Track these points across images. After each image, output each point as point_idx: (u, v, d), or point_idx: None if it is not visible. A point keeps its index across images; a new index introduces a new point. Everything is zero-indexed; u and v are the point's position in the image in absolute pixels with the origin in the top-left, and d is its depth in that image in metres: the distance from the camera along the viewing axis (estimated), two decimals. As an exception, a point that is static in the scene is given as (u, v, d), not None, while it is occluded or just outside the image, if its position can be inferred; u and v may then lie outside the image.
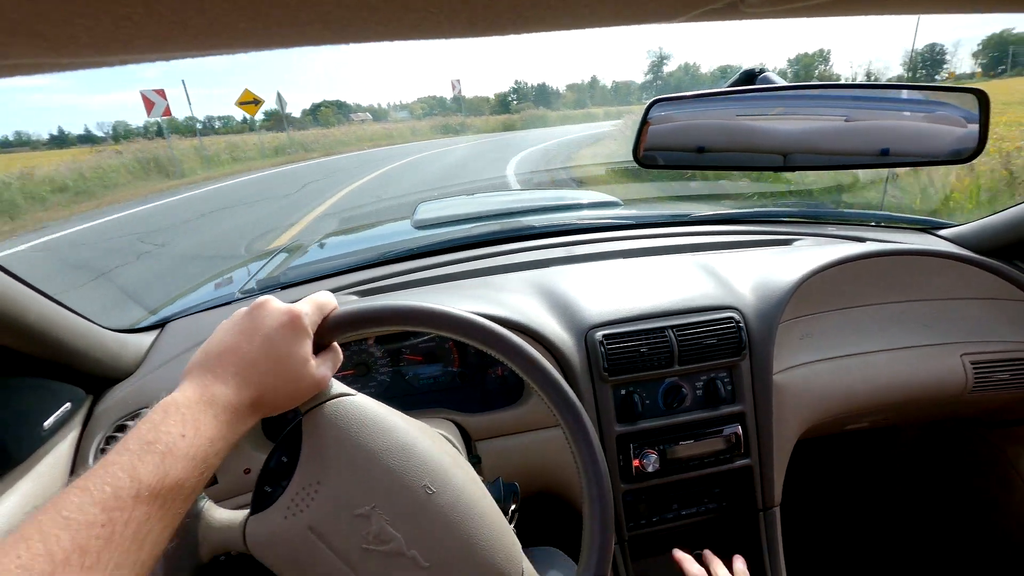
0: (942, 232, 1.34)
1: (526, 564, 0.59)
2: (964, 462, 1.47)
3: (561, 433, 0.59)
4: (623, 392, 0.96)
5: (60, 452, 0.77)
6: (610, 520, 0.56)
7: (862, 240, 1.27)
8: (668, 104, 0.70)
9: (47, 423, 0.74)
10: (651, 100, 0.68)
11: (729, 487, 1.03)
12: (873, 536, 1.60)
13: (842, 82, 0.85)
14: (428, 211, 1.66)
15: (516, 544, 0.59)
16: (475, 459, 0.91)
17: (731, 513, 1.04)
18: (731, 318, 0.99)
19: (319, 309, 0.54)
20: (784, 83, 0.67)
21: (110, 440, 0.81)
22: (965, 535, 1.48)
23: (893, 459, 1.59)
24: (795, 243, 1.29)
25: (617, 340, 0.95)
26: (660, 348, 0.96)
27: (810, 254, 1.13)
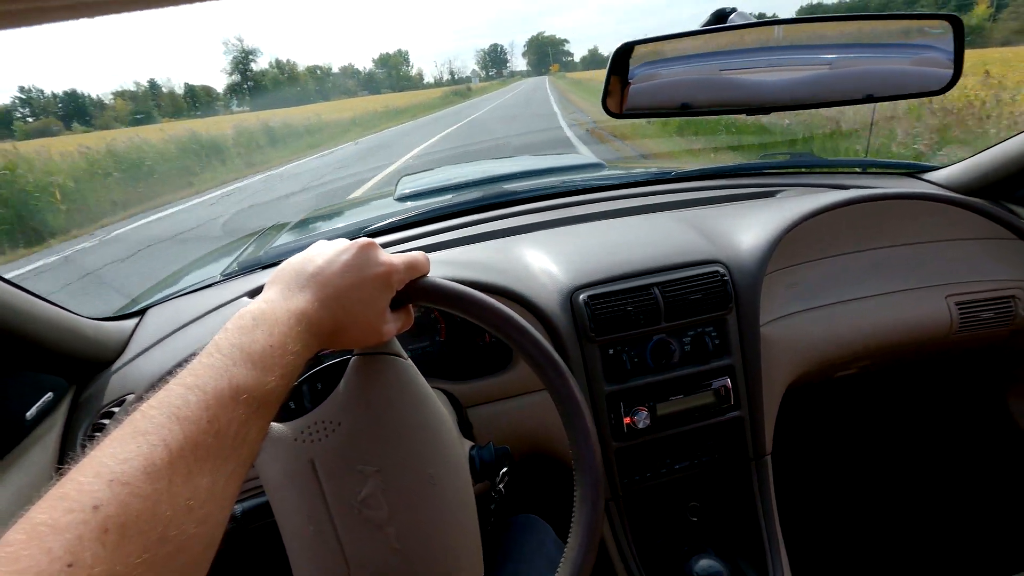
0: (927, 175, 1.33)
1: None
2: (953, 406, 1.49)
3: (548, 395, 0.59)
4: (611, 351, 0.96)
5: (47, 442, 0.76)
6: (600, 494, 0.55)
7: (846, 188, 1.26)
8: (642, 49, 0.67)
9: (29, 414, 0.73)
10: (620, 45, 0.66)
11: (720, 439, 1.04)
12: (865, 482, 1.63)
13: (814, 15, 0.82)
14: (410, 183, 1.64)
15: (480, 565, 0.59)
16: (467, 425, 0.92)
17: (723, 464, 1.05)
18: (716, 272, 0.99)
19: (411, 270, 0.54)
20: (756, 20, 0.65)
21: (96, 428, 0.81)
22: (956, 478, 1.51)
23: (883, 405, 1.61)
24: (779, 195, 1.28)
25: (602, 300, 0.94)
26: (646, 306, 0.95)
27: (793, 204, 1.13)
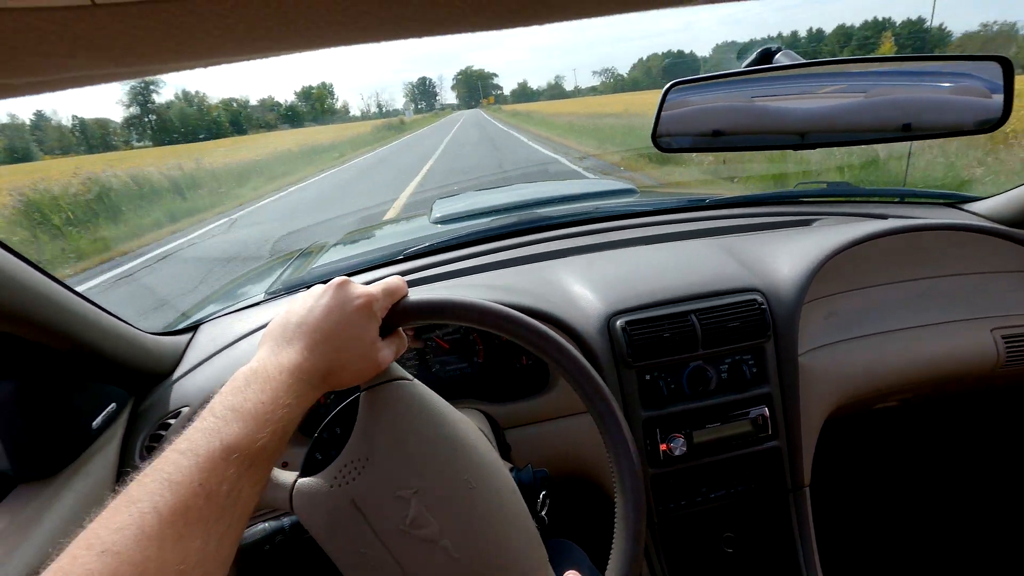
0: (969, 206, 1.31)
1: (551, 572, 0.60)
2: (994, 439, 1.44)
3: (588, 419, 0.60)
4: (648, 377, 0.97)
5: (108, 451, 0.80)
6: (642, 527, 0.57)
7: (884, 217, 1.26)
8: (685, 88, 0.70)
9: (95, 423, 0.77)
10: (669, 84, 0.68)
11: (757, 469, 1.03)
12: (906, 517, 1.58)
13: (861, 56, 0.83)
14: (445, 207, 1.68)
15: (544, 554, 0.60)
16: (505, 448, 0.93)
17: (760, 494, 1.04)
18: (754, 300, 0.99)
19: (389, 295, 0.56)
20: (803, 60, 0.66)
21: (155, 438, 0.85)
22: (997, 513, 1.45)
23: (923, 438, 1.57)
24: (814, 223, 1.28)
25: (640, 326, 0.95)
26: (683, 332, 0.96)
27: (832, 232, 1.12)
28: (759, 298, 0.99)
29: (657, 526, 1.01)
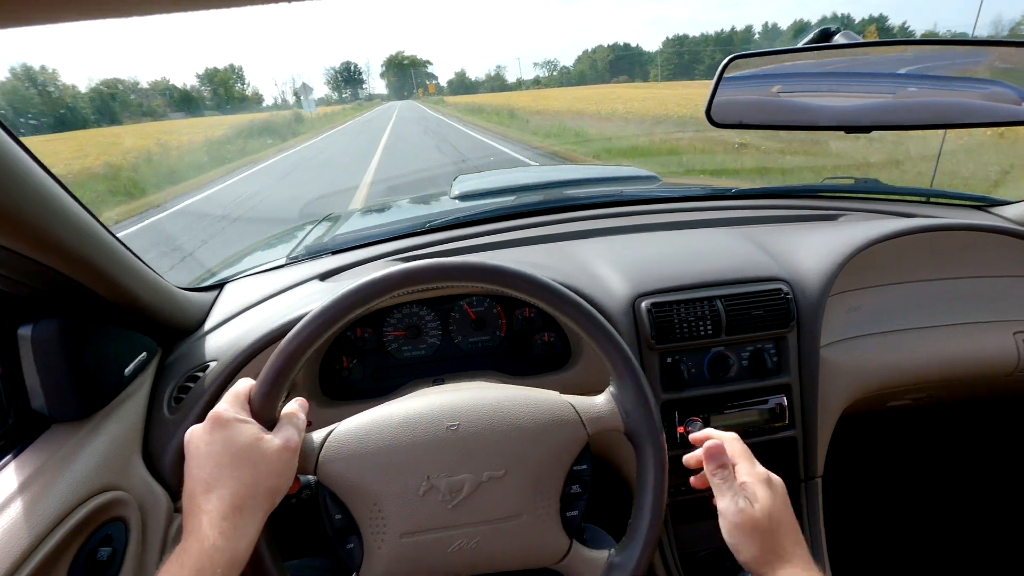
0: (997, 210, 1.30)
1: (571, 398, 0.65)
2: (1006, 442, 1.45)
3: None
4: (669, 360, 0.97)
5: (138, 398, 0.81)
6: (661, 505, 0.61)
7: (911, 216, 1.25)
8: (743, 61, 0.69)
9: (127, 370, 0.78)
10: (729, 57, 0.67)
11: (772, 457, 1.04)
12: (913, 515, 1.59)
13: (917, 38, 0.82)
14: (467, 183, 1.68)
15: (549, 393, 0.65)
16: None
17: None
18: (780, 289, 0.99)
19: (236, 396, 0.57)
20: (861, 40, 0.66)
21: (183, 389, 0.86)
22: (1005, 516, 1.47)
23: (935, 438, 1.57)
24: (840, 218, 1.28)
25: (665, 308, 0.96)
26: (708, 317, 0.96)
27: (860, 227, 1.12)
28: (784, 288, 0.99)
29: (668, 507, 1.02)
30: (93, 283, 0.67)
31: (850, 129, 0.75)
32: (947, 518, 1.55)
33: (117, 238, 0.72)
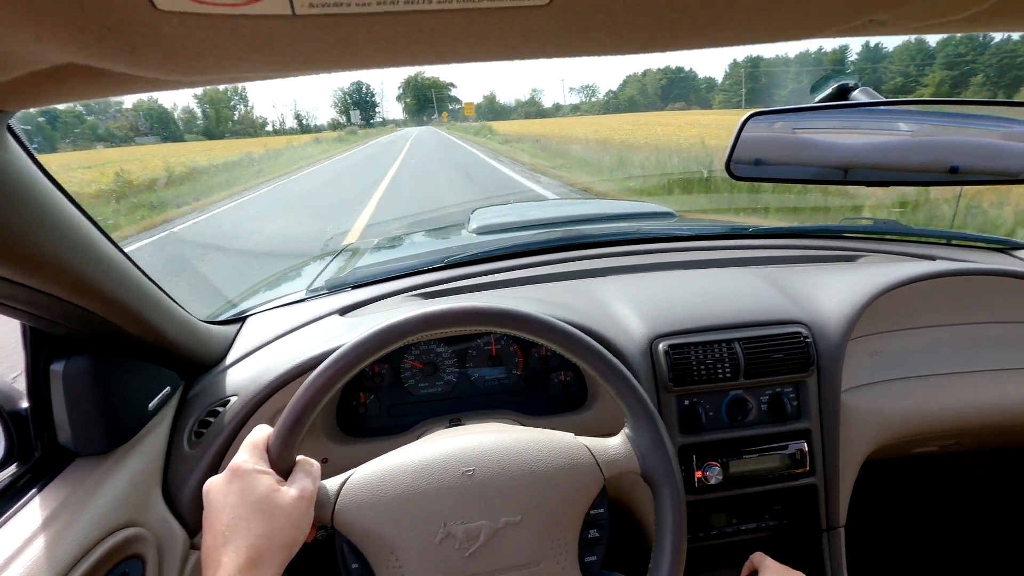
0: (1021, 253, 1.29)
1: (587, 441, 0.65)
2: None
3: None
4: (687, 403, 0.96)
5: (159, 432, 0.83)
6: (682, 549, 0.61)
7: (932, 259, 1.24)
8: (762, 118, 0.71)
9: (151, 404, 0.80)
10: (748, 113, 0.69)
11: (792, 505, 1.01)
12: (942, 566, 1.53)
13: (941, 98, 0.83)
14: (485, 217, 1.70)
15: (564, 435, 0.65)
16: None
17: (793, 531, 1.02)
18: (799, 333, 0.98)
19: (255, 446, 0.58)
20: (880, 99, 0.67)
21: (203, 424, 0.87)
22: None
23: (964, 485, 1.52)
24: (860, 259, 1.27)
25: (683, 350, 0.95)
26: (727, 360, 0.96)
27: (881, 271, 1.11)
28: (804, 331, 0.99)
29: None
30: (125, 322, 0.69)
31: (872, 183, 0.75)
32: (976, 572, 1.49)
33: (147, 275, 0.74)
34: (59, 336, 0.67)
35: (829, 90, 0.68)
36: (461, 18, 0.24)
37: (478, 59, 0.29)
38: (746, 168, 0.72)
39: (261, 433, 0.60)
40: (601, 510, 0.63)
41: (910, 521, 1.58)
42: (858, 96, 0.65)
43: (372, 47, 0.25)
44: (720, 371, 0.96)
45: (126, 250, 0.68)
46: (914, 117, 0.73)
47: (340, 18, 0.22)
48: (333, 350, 0.88)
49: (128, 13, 0.20)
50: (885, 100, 0.68)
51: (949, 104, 0.75)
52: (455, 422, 0.96)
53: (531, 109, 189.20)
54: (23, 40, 0.22)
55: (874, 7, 0.31)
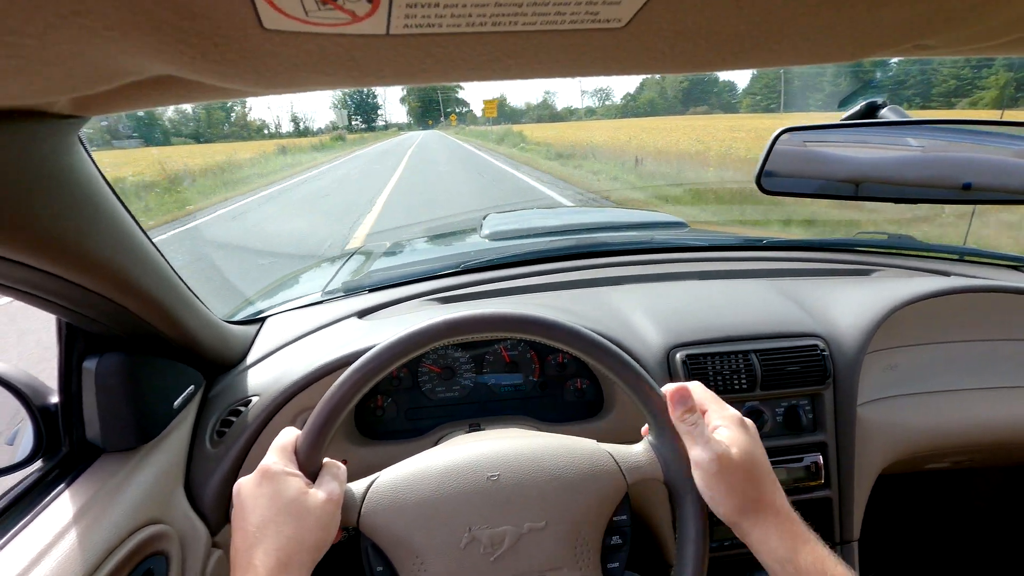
0: None
1: (610, 447, 0.65)
2: None
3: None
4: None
5: (183, 430, 0.83)
6: (704, 556, 0.60)
7: (946, 274, 1.25)
8: (794, 133, 0.71)
9: (176, 402, 0.81)
10: (780, 129, 0.70)
11: (806, 517, 1.01)
12: None
13: (969, 117, 0.84)
14: (498, 223, 1.71)
15: (587, 442, 0.65)
16: None
17: None
18: (816, 346, 0.99)
19: (283, 449, 0.58)
20: (909, 118, 0.68)
21: (224, 423, 0.88)
22: None
23: (978, 501, 1.52)
24: (874, 274, 1.27)
25: (700, 361, 0.96)
26: (743, 371, 0.96)
27: (897, 285, 1.12)
28: (820, 344, 0.99)
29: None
30: (161, 322, 0.70)
31: (900, 200, 0.76)
32: None
33: (180, 277, 0.75)
34: (93, 333, 0.68)
35: (858, 107, 0.69)
36: (541, 38, 0.25)
37: (553, 75, 0.30)
38: (776, 182, 0.73)
39: (289, 435, 0.60)
40: (624, 517, 0.63)
41: (921, 537, 1.58)
42: (887, 114, 0.66)
43: (452, 64, 0.26)
44: (737, 382, 0.96)
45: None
46: (945, 136, 0.74)
47: (429, 37, 0.23)
48: (355, 352, 0.89)
49: (237, 30, 0.21)
50: (913, 120, 0.69)
51: (975, 124, 0.75)
52: (475, 427, 0.97)
53: (543, 113, 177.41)
54: (134, 54, 0.23)
55: (922, 31, 0.32)
